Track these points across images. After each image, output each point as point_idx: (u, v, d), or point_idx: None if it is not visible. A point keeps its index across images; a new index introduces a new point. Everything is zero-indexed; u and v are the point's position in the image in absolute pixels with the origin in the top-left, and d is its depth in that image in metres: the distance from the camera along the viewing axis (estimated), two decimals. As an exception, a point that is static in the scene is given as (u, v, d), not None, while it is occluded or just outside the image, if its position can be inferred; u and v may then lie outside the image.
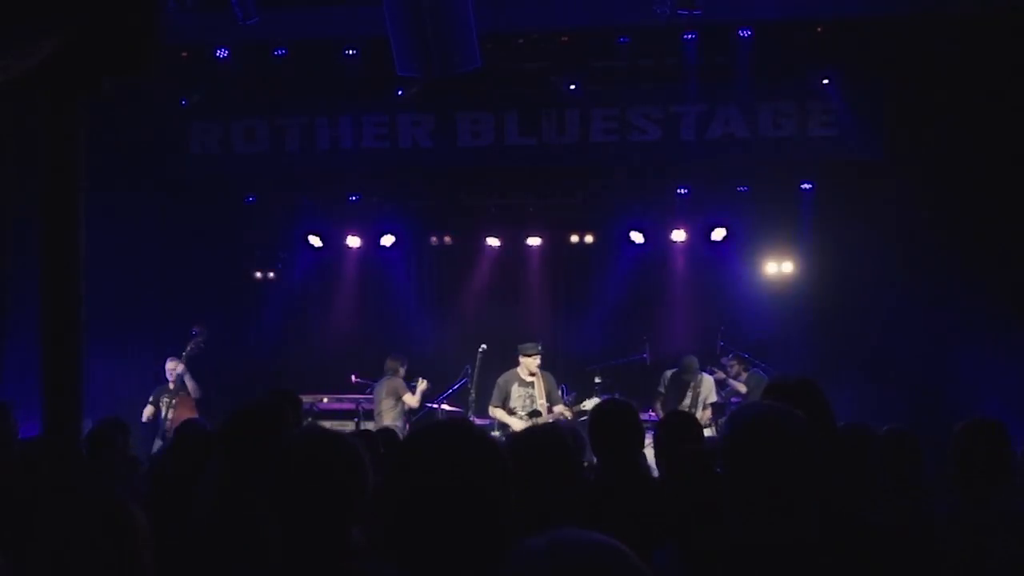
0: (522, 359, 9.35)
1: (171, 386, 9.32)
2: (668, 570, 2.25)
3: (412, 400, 9.78)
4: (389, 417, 9.71)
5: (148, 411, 9.26)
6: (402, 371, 10.06)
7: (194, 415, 8.55)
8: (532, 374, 9.32)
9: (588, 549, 1.27)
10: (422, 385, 9.80)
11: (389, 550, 1.85)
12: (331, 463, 2.22)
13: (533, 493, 2.72)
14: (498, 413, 9.28)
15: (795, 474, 2.12)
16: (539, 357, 9.33)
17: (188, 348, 9.28)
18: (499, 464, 1.84)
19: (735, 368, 10.10)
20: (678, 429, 4.72)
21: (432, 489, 1.77)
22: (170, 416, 9.02)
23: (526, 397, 9.29)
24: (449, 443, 1.85)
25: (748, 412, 2.35)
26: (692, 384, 9.72)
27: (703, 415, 9.45)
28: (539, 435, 3.34)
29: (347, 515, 2.21)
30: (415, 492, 1.79)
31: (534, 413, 9.15)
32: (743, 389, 9.82)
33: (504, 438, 8.74)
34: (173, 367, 9.34)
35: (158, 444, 8.83)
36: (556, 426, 3.23)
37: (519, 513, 1.77)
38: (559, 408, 9.24)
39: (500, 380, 9.41)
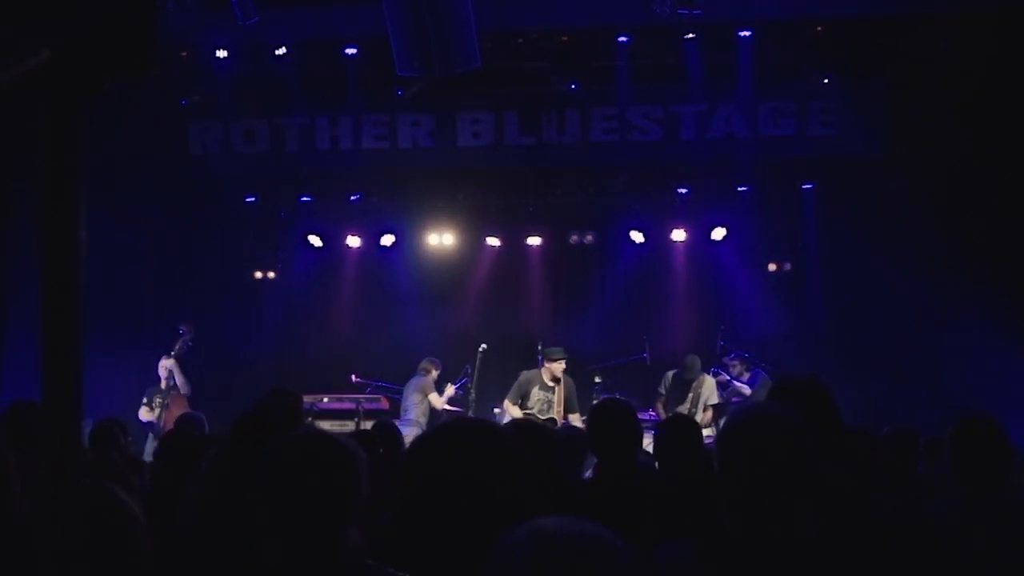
0: (547, 363, 9.30)
1: (163, 385, 9.53)
2: (682, 564, 2.25)
3: (437, 401, 9.99)
4: (414, 413, 9.92)
5: (144, 411, 9.37)
6: (435, 373, 10.27)
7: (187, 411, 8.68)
8: (555, 379, 9.27)
9: (570, 538, 1.27)
10: (449, 390, 10.07)
11: (399, 544, 1.85)
12: (326, 465, 2.22)
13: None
14: (514, 410, 9.22)
15: (788, 475, 2.11)
16: (564, 362, 9.27)
17: (177, 347, 9.55)
18: (513, 456, 1.84)
19: (737, 368, 10.08)
20: (678, 433, 4.74)
21: (446, 480, 1.78)
22: (163, 416, 9.20)
23: (544, 402, 9.25)
24: (462, 436, 1.85)
25: (742, 412, 2.35)
26: (693, 384, 9.69)
27: (704, 416, 9.43)
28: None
29: (343, 516, 2.21)
30: (428, 483, 1.79)
31: (550, 421, 9.10)
32: (747, 391, 9.78)
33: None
34: (166, 364, 9.57)
35: (153, 443, 8.90)
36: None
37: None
38: (574, 417, 9.12)
39: (522, 378, 9.36)
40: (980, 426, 3.55)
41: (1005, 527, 3.32)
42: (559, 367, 9.25)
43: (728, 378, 9.99)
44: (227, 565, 2.64)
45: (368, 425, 9.56)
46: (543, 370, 9.32)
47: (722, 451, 2.20)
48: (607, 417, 4.08)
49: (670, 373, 9.91)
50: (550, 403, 9.23)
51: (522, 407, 9.25)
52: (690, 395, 9.63)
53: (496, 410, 9.68)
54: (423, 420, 9.83)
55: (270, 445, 2.36)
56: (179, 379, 9.48)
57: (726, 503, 2.16)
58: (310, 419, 9.29)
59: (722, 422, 9.23)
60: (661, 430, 4.96)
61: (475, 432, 1.87)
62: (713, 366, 10.00)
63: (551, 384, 9.27)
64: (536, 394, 9.25)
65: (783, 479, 2.11)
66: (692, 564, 2.23)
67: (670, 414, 9.15)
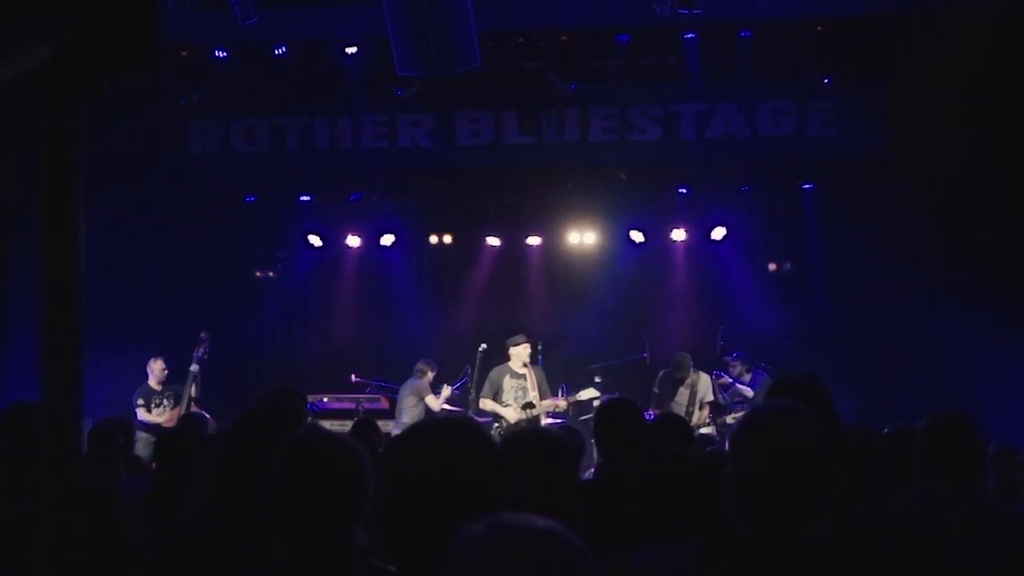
0: (512, 351, 9.45)
1: (157, 386, 9.55)
2: (684, 563, 2.25)
3: (435, 403, 9.97)
4: (409, 416, 9.88)
5: (143, 412, 9.37)
6: (430, 375, 10.26)
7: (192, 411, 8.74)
8: (525, 364, 9.41)
9: (527, 533, 1.27)
10: (446, 391, 10.06)
11: (384, 544, 1.85)
12: (335, 464, 2.23)
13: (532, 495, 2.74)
14: (489, 404, 9.38)
15: (805, 474, 2.09)
16: (528, 345, 9.43)
17: (200, 352, 9.57)
18: (491, 458, 1.84)
19: (738, 368, 10.07)
20: (668, 429, 4.76)
21: (419, 481, 1.78)
22: (165, 417, 9.23)
23: (518, 389, 9.39)
24: (437, 437, 1.86)
25: (760, 412, 2.34)
26: (688, 382, 9.69)
27: (701, 414, 9.44)
28: (535, 437, 3.32)
29: (350, 515, 2.22)
30: (404, 485, 1.79)
31: (528, 405, 9.24)
32: (749, 393, 9.75)
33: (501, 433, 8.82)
34: (158, 367, 9.59)
35: (148, 444, 8.92)
36: (550, 429, 3.25)
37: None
38: (548, 402, 9.34)
39: (492, 373, 9.50)
40: (949, 424, 3.53)
41: (969, 525, 3.30)
42: (524, 350, 9.42)
43: (730, 380, 9.96)
44: (229, 564, 2.64)
45: (389, 423, 9.63)
46: (511, 361, 9.47)
47: (739, 450, 2.18)
48: (614, 416, 4.08)
49: (662, 372, 9.92)
50: (524, 389, 9.36)
51: (498, 399, 9.37)
52: (686, 392, 9.63)
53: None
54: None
55: (277, 444, 2.37)
56: (198, 384, 9.55)
57: (739, 501, 2.14)
58: (310, 419, 9.29)
59: (720, 421, 9.24)
60: (653, 428, 4.97)
61: (452, 432, 1.87)
62: (715, 370, 9.99)
63: (521, 372, 9.40)
64: (508, 383, 9.39)
65: (802, 480, 2.09)
66: (687, 567, 2.22)
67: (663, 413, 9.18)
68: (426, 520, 1.75)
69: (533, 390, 9.34)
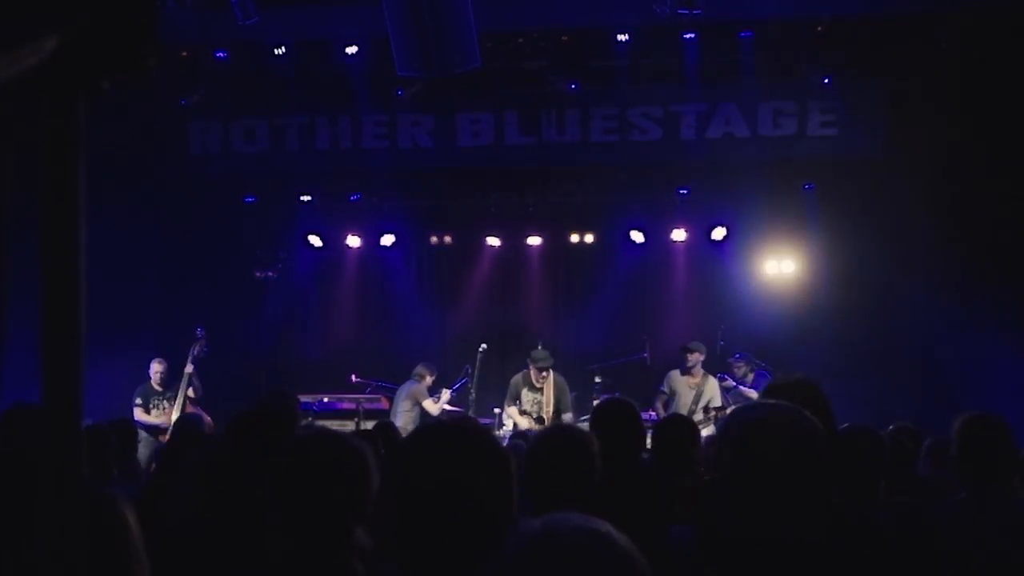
0: (532, 370, 9.44)
1: (158, 387, 9.55)
2: (686, 547, 2.25)
3: (433, 408, 9.93)
4: (403, 420, 9.84)
5: (140, 412, 9.37)
6: (429, 380, 10.23)
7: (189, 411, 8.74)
8: (542, 379, 9.39)
9: (582, 534, 1.27)
10: (445, 395, 10.01)
11: (391, 547, 1.86)
12: (337, 464, 2.23)
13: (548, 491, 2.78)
14: (512, 411, 9.43)
15: (799, 473, 2.08)
16: (541, 372, 9.37)
17: (196, 350, 9.49)
18: (496, 460, 1.84)
19: (742, 369, 10.06)
20: (676, 433, 4.77)
21: (428, 485, 1.78)
22: (163, 419, 9.24)
23: (535, 403, 9.39)
24: (445, 441, 1.86)
25: (753, 409, 2.33)
26: (694, 382, 9.70)
27: (706, 416, 9.43)
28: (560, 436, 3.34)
29: (352, 515, 2.22)
30: (412, 488, 1.79)
31: (539, 420, 9.22)
32: (754, 395, 9.75)
33: (507, 438, 8.82)
34: (160, 369, 9.59)
35: (147, 445, 8.92)
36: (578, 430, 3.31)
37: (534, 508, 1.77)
38: (568, 416, 9.27)
39: (513, 380, 9.53)
40: (986, 425, 3.55)
41: (1008, 527, 3.31)
42: (535, 374, 9.42)
43: (734, 384, 9.94)
44: (228, 565, 2.64)
45: (368, 425, 9.58)
46: (531, 371, 9.38)
47: (725, 451, 2.17)
48: (611, 416, 4.08)
49: (672, 372, 9.91)
50: (539, 404, 9.36)
51: (517, 407, 9.40)
52: (691, 393, 9.63)
53: (496, 410, 9.71)
54: (411, 427, 9.77)
55: (277, 444, 2.37)
56: (196, 382, 9.55)
57: (723, 503, 2.14)
58: (310, 419, 9.29)
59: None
60: (659, 429, 4.98)
61: (457, 435, 1.87)
62: (719, 372, 9.98)
63: (539, 385, 9.35)
64: (526, 395, 9.38)
65: (795, 479, 2.08)
66: (695, 552, 2.22)
67: (669, 414, 9.18)
68: (432, 522, 1.75)
69: (548, 405, 9.34)
